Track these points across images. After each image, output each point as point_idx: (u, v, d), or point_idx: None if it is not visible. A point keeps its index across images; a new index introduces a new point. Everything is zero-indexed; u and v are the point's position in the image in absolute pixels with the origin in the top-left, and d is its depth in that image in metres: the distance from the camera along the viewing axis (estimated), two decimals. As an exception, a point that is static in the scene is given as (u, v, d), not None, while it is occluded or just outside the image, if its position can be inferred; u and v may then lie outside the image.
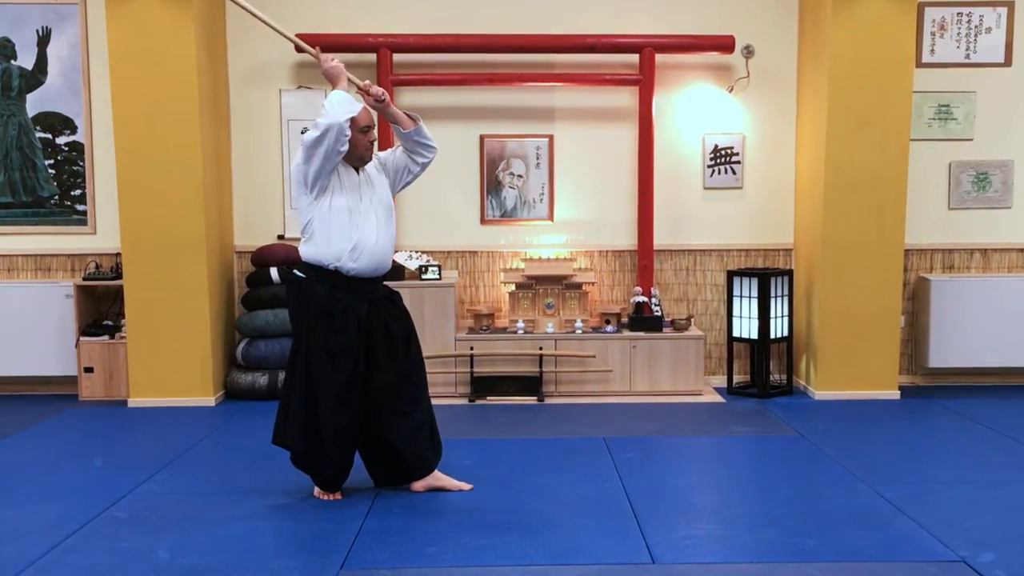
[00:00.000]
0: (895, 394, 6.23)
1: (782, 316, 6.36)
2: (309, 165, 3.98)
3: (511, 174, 6.64)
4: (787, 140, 6.67)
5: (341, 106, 3.97)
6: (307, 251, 4.09)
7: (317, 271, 4.07)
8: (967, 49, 6.53)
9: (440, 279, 6.32)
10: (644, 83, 6.41)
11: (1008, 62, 6.57)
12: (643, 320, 6.37)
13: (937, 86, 6.54)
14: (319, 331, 4.05)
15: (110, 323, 6.48)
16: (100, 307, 6.63)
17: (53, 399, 6.40)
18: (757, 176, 6.69)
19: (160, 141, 5.97)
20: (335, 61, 4.16)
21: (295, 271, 4.12)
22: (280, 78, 6.60)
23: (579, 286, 6.48)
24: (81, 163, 6.54)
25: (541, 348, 6.23)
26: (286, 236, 6.63)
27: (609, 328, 6.40)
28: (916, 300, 6.68)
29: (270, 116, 6.61)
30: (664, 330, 6.39)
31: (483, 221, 6.69)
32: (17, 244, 6.59)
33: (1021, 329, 6.50)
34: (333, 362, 4.06)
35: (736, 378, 6.59)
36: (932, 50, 6.53)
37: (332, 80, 4.12)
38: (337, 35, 6.37)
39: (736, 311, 6.39)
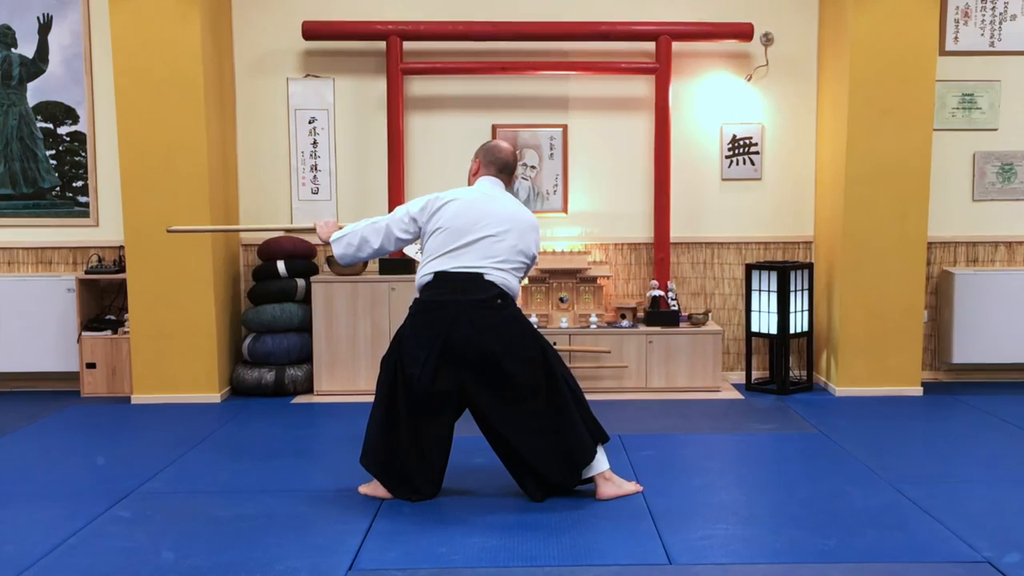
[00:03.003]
0: (918, 390, 6.15)
1: (802, 310, 6.27)
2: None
3: (524, 165, 6.55)
4: (807, 130, 6.58)
5: None
6: (516, 285, 4.22)
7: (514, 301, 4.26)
8: (991, 37, 6.42)
9: (451, 272, 6.20)
10: (660, 72, 6.32)
11: (1033, 50, 6.47)
12: (659, 315, 6.28)
13: (961, 75, 6.43)
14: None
15: (113, 318, 6.42)
16: (102, 301, 6.56)
17: (54, 395, 6.34)
18: (776, 167, 6.60)
19: (164, 131, 5.88)
20: None
21: (506, 296, 4.16)
22: (287, 66, 6.52)
23: (594, 280, 6.38)
24: (83, 153, 6.47)
25: (555, 343, 6.09)
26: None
27: (624, 323, 6.31)
28: (939, 294, 6.58)
29: (277, 105, 6.53)
30: (681, 325, 6.31)
31: (495, 213, 6.58)
32: (17, 236, 6.51)
33: (1047, 324, 6.40)
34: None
35: (755, 374, 6.48)
36: (956, 38, 6.42)
37: None
38: (346, 22, 6.30)
39: (755, 305, 6.30)
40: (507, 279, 4.10)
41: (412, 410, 4.08)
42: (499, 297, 4.06)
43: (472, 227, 4.09)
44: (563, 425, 4.07)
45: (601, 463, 4.14)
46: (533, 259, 4.25)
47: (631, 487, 4.20)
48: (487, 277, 4.05)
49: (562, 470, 4.10)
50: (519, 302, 4.29)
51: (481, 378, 4.04)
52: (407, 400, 4.08)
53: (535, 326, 6.07)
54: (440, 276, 4.07)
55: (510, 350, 4.03)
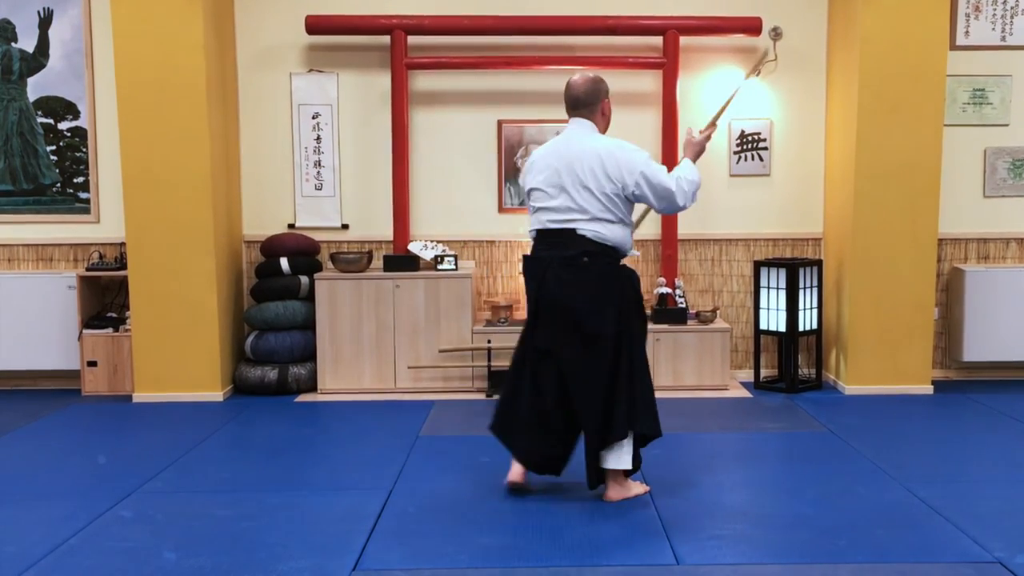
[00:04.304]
0: (928, 389, 6.10)
1: (811, 308, 6.21)
2: (660, 194, 3.99)
3: (531, 161, 6.48)
4: (816, 125, 6.52)
5: (697, 175, 4.07)
6: (617, 234, 4.00)
7: (619, 254, 4.06)
8: (1003, 31, 6.36)
9: (456, 270, 6.18)
10: (668, 66, 6.27)
11: (1046, 44, 6.41)
12: (667, 312, 6.23)
13: (972, 69, 6.37)
14: (640, 310, 4.11)
15: (114, 315, 6.39)
16: (104, 298, 6.52)
17: (55, 394, 6.31)
18: (785, 163, 6.53)
19: (166, 126, 5.84)
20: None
21: (601, 252, 3.98)
22: (291, 61, 6.47)
23: (600, 277, 6.31)
24: (84, 149, 6.42)
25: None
26: (297, 225, 6.50)
27: (631, 320, 6.23)
28: (950, 291, 6.52)
29: (280, 100, 6.48)
30: (689, 322, 6.25)
31: (501, 209, 6.55)
32: (18, 233, 6.47)
33: (1059, 322, 6.34)
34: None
35: (763, 372, 6.45)
36: (966, 32, 6.35)
37: (697, 154, 4.20)
38: (350, 16, 6.25)
39: (763, 303, 6.25)
40: (600, 231, 3.93)
41: (527, 374, 4.11)
42: (586, 255, 3.94)
43: (551, 179, 4.00)
44: (612, 395, 3.97)
45: (624, 459, 4.01)
46: (623, 190, 3.93)
47: (638, 489, 4.15)
48: (579, 232, 3.94)
49: (598, 429, 3.98)
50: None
51: (566, 336, 3.98)
52: (525, 363, 4.14)
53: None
54: (540, 232, 4.06)
55: (588, 309, 3.95)
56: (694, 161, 4.12)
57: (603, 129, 4.12)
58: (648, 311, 6.29)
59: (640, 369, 4.01)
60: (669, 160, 6.30)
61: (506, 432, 4.18)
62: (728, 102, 4.53)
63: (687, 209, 4.11)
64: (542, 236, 4.05)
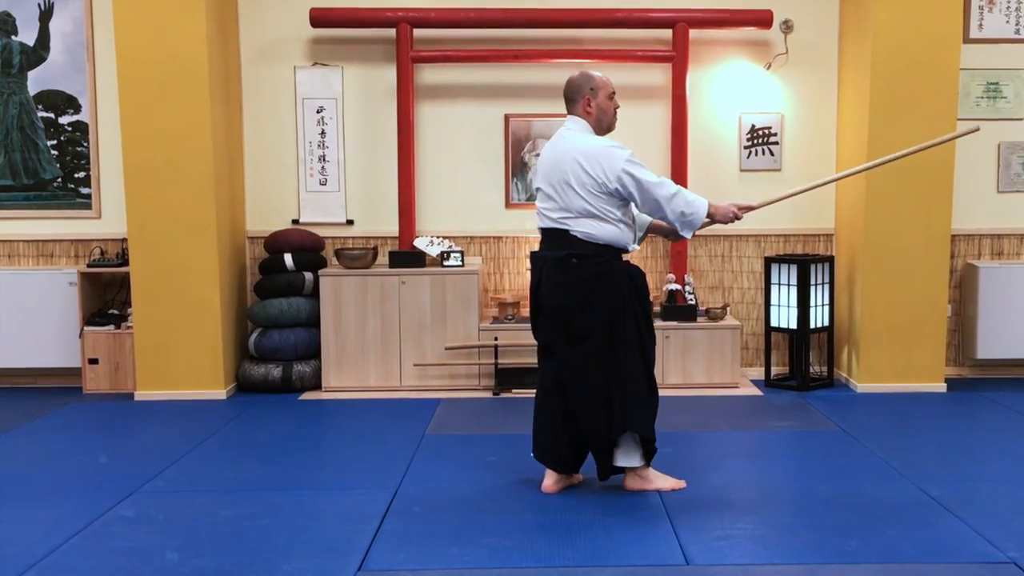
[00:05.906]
0: (941, 387, 6.06)
1: (822, 305, 6.16)
2: (645, 192, 3.98)
3: (537, 155, 6.39)
4: (828, 120, 6.46)
5: (701, 213, 4.06)
6: (608, 232, 3.98)
7: (614, 251, 4.04)
8: (1017, 24, 6.31)
9: (463, 266, 6.16)
10: (677, 60, 6.21)
11: (1060, 38, 6.35)
12: (676, 309, 6.18)
13: (986, 63, 6.32)
14: (640, 304, 4.06)
15: (116, 312, 6.34)
16: (105, 295, 6.48)
17: (56, 392, 6.27)
18: (796, 158, 6.48)
19: (168, 121, 5.80)
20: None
21: (591, 252, 3.97)
22: (294, 55, 6.42)
23: (608, 273, 6.27)
24: (85, 144, 6.38)
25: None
26: (301, 220, 6.46)
27: (640, 317, 6.18)
28: (963, 288, 6.46)
29: (284, 95, 6.44)
30: (698, 319, 6.20)
31: (508, 205, 6.50)
32: (18, 229, 6.43)
33: (1074, 319, 6.29)
34: (653, 328, 4.19)
35: (774, 370, 6.39)
36: (980, 25, 6.30)
37: (724, 219, 4.20)
38: (354, 9, 6.20)
39: (774, 299, 6.20)
40: (589, 231, 3.95)
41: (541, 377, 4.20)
42: (574, 256, 3.96)
43: (545, 178, 4.04)
44: (607, 394, 3.99)
45: (633, 457, 4.06)
46: (605, 187, 3.91)
47: (663, 483, 4.13)
48: (569, 232, 3.97)
49: (595, 428, 4.03)
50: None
51: (559, 334, 4.04)
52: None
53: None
54: (541, 231, 4.12)
55: (577, 309, 3.97)
56: (713, 213, 4.13)
57: (595, 127, 4.09)
58: (657, 308, 6.28)
59: (633, 367, 4.00)
60: (677, 156, 6.30)
61: (534, 429, 4.24)
62: (779, 199, 4.57)
63: (678, 221, 4.05)
64: (542, 235, 4.12)
